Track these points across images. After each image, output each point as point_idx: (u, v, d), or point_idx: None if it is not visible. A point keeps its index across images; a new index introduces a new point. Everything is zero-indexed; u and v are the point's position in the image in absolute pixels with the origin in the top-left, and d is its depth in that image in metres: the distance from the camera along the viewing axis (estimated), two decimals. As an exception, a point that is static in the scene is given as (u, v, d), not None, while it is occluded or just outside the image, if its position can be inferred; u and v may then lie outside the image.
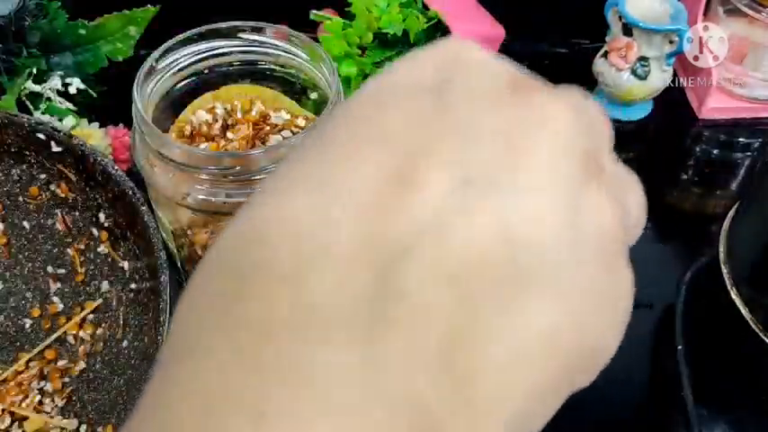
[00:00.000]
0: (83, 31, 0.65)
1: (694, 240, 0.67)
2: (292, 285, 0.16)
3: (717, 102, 0.76)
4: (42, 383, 0.51)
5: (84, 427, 0.50)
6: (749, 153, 0.74)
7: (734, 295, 0.55)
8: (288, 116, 0.48)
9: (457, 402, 0.16)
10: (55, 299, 0.53)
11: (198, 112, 0.47)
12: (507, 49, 0.74)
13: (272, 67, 0.48)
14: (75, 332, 0.52)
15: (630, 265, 0.22)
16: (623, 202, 0.21)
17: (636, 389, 0.56)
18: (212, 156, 0.42)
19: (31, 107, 0.62)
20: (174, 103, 0.47)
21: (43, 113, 0.61)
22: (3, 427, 0.49)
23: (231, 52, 0.47)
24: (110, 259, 0.52)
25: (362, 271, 0.16)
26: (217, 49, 0.47)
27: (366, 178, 0.17)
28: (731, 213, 0.59)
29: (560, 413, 0.61)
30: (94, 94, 0.66)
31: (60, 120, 0.61)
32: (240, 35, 0.47)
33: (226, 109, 0.48)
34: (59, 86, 0.63)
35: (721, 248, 0.58)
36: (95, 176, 0.50)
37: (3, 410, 0.49)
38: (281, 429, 0.15)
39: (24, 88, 0.62)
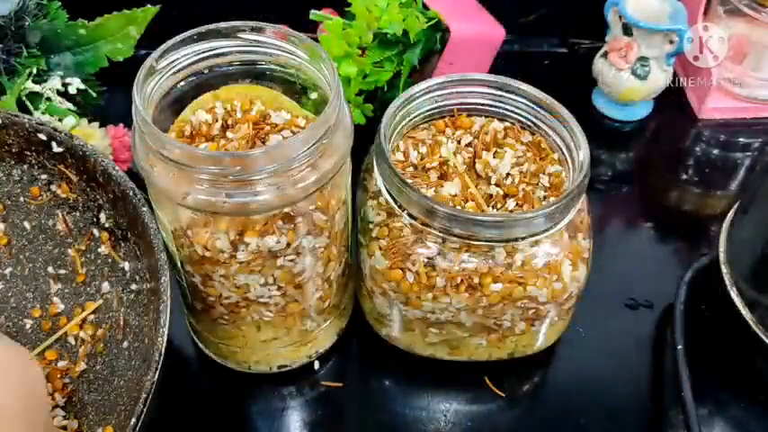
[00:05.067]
0: (83, 31, 0.65)
1: (694, 240, 0.67)
2: None
3: (717, 102, 0.76)
4: (43, 384, 0.51)
5: (84, 427, 0.50)
6: (749, 153, 0.74)
7: (734, 295, 0.55)
8: (288, 116, 0.48)
9: None
10: (55, 299, 0.54)
11: (198, 112, 0.47)
12: (507, 49, 0.74)
13: (272, 67, 0.48)
14: (75, 333, 0.52)
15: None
16: None
17: (636, 389, 0.56)
18: (212, 156, 0.42)
19: (31, 107, 0.62)
20: (174, 103, 0.47)
21: (43, 113, 0.61)
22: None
23: (231, 52, 0.47)
24: (110, 260, 0.52)
25: None
26: (217, 49, 0.47)
27: None
28: (731, 213, 0.59)
29: (561, 413, 0.61)
30: (94, 94, 0.66)
31: (60, 120, 0.61)
32: (240, 35, 0.47)
33: (226, 109, 0.48)
34: (59, 86, 0.63)
35: (721, 248, 0.58)
36: (96, 177, 0.50)
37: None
38: None
39: (24, 88, 0.62)
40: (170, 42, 0.45)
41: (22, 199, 0.54)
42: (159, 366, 0.43)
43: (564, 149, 0.50)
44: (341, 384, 0.56)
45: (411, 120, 0.52)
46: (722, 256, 0.57)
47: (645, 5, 0.71)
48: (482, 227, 0.45)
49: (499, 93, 0.52)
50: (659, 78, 0.72)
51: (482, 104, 0.53)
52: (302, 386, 0.56)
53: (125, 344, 0.50)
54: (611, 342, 0.58)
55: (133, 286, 0.51)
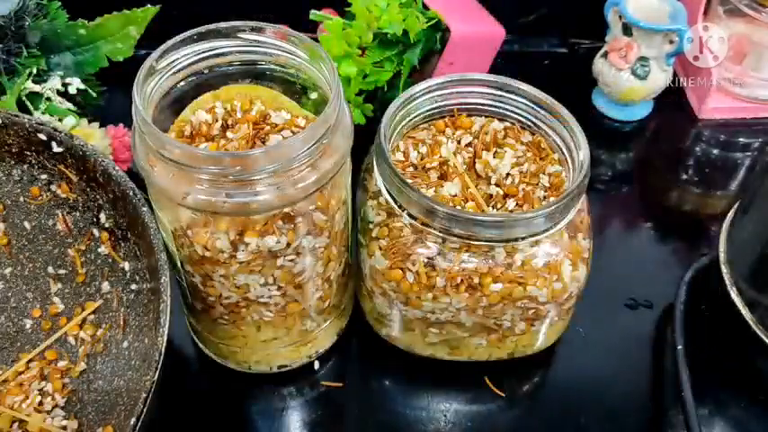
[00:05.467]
0: (83, 31, 0.65)
1: (694, 240, 0.67)
2: None
3: (717, 102, 0.76)
4: (43, 384, 0.51)
5: (84, 427, 0.50)
6: (749, 153, 0.74)
7: (734, 295, 0.55)
8: (288, 116, 0.48)
9: None
10: (55, 299, 0.54)
11: (198, 112, 0.47)
12: (507, 49, 0.74)
13: (272, 67, 0.48)
14: (75, 333, 0.52)
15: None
16: None
17: (636, 389, 0.56)
18: (212, 156, 0.42)
19: (31, 107, 0.62)
20: (174, 103, 0.47)
21: (43, 113, 0.61)
22: (4, 428, 0.49)
23: (231, 52, 0.47)
24: (110, 260, 0.52)
25: None
26: (217, 49, 0.47)
27: None
28: (731, 213, 0.59)
29: (561, 413, 0.61)
30: (94, 94, 0.66)
31: (60, 120, 0.61)
32: (240, 35, 0.47)
33: (226, 109, 0.48)
34: (59, 86, 0.63)
35: (721, 248, 0.58)
36: (96, 177, 0.50)
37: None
38: None
39: (24, 88, 0.62)
40: (170, 42, 0.45)
41: (22, 199, 0.54)
42: (159, 366, 0.43)
43: (564, 149, 0.50)
44: (341, 384, 0.56)
45: (411, 120, 0.52)
46: (722, 256, 0.57)
47: (645, 5, 0.71)
48: (482, 227, 0.45)
49: (499, 93, 0.52)
50: (659, 78, 0.72)
51: (482, 104, 0.53)
52: (302, 386, 0.56)
53: (125, 344, 0.50)
54: (611, 342, 0.58)
55: (133, 286, 0.51)
